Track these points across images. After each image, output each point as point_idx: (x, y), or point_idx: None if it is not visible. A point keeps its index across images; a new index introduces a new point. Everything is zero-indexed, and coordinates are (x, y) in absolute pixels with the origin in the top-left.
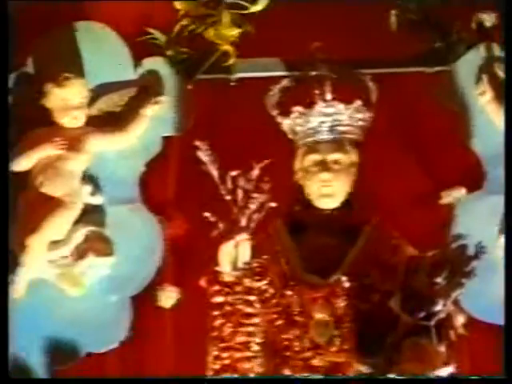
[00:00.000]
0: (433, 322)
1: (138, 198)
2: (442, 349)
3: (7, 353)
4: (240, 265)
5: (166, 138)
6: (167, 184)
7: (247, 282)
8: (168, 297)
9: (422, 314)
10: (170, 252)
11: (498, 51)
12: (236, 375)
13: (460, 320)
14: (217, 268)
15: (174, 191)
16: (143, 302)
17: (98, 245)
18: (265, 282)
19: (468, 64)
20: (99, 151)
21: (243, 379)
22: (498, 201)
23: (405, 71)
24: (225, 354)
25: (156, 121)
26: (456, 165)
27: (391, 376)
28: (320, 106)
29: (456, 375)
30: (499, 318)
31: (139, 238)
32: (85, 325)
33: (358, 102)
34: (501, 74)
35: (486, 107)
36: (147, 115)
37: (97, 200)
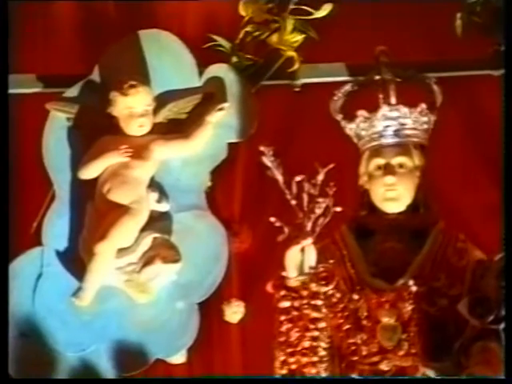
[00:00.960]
0: (502, 326)
1: (203, 204)
2: None
3: (7, 353)
4: (306, 269)
5: (230, 145)
6: (232, 190)
7: (313, 286)
8: (235, 312)
9: (491, 318)
10: (236, 263)
11: None
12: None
13: None
14: (283, 273)
15: (239, 197)
16: (210, 308)
17: (165, 251)
18: (331, 286)
19: None
20: (165, 159)
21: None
22: None
23: (470, 74)
24: (292, 359)
25: (221, 127)
26: None
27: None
28: (384, 110)
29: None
30: None
31: (205, 244)
32: (153, 331)
33: (423, 106)
34: None
35: None
36: (212, 122)
37: (163, 207)
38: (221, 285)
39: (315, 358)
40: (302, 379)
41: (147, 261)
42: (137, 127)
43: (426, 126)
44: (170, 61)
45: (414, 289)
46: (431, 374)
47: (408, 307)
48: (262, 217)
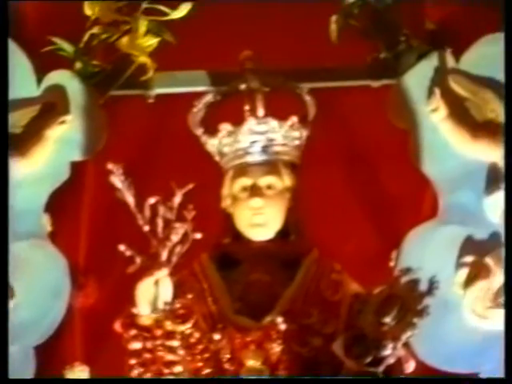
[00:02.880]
0: (381, 368)
1: (41, 232)
2: None
3: (7, 353)
4: (160, 305)
5: (74, 163)
6: (77, 216)
7: (169, 325)
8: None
9: (369, 359)
10: (81, 320)
11: (452, 61)
12: None
13: (411, 366)
14: (134, 310)
15: (84, 224)
16: (49, 352)
17: None
18: (189, 325)
19: (419, 76)
20: None
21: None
22: (455, 231)
23: (347, 85)
24: None
25: (63, 143)
26: (405, 190)
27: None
28: (251, 124)
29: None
30: (455, 365)
31: (43, 278)
32: None
33: (294, 119)
34: (456, 87)
35: (439, 125)
36: (52, 137)
37: None
38: (62, 346)
39: None
40: (296, 379)
41: None
42: None
43: (297, 142)
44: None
45: (282, 327)
46: None
47: (276, 348)
48: (110, 245)
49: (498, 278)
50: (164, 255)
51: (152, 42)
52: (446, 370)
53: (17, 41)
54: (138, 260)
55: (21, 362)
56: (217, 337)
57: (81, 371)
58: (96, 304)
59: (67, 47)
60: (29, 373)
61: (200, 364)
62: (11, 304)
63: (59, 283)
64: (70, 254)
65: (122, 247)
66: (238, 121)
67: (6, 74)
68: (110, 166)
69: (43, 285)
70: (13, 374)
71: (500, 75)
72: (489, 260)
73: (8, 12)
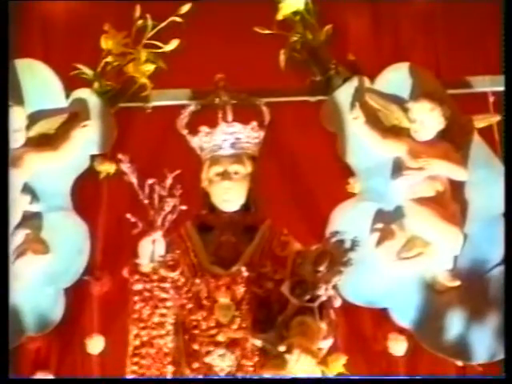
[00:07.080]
0: (316, 304)
1: (69, 206)
2: (323, 325)
3: (7, 353)
4: (156, 258)
5: (93, 156)
6: (95, 193)
7: (162, 272)
8: (95, 345)
9: (308, 297)
10: (97, 303)
11: (367, 83)
12: (153, 350)
13: (338, 302)
14: (137, 260)
15: (101, 198)
16: (75, 293)
17: (36, 245)
18: (177, 272)
19: (344, 94)
20: (36, 167)
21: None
22: (369, 206)
23: (292, 100)
24: (143, 332)
25: (84, 141)
26: (334, 175)
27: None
28: (222, 127)
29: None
30: (370, 302)
31: (70, 239)
32: (26, 312)
33: (254, 123)
34: (371, 101)
35: (359, 129)
36: (77, 137)
37: (35, 208)
38: (83, 321)
39: (163, 332)
40: (296, 379)
41: (20, 253)
42: (12, 141)
43: (256, 141)
44: (41, 85)
45: (245, 274)
46: (258, 343)
47: (241, 289)
48: (120, 214)
49: (399, 240)
50: (159, 221)
51: (150, 67)
52: (363, 306)
53: (51, 65)
54: (140, 225)
55: (53, 300)
56: (197, 281)
57: (97, 340)
58: (109, 292)
59: (88, 71)
60: (59, 307)
61: (185, 301)
62: (47, 258)
63: (81, 244)
64: (90, 222)
65: (128, 215)
66: (213, 125)
67: (7, 73)
68: (119, 155)
69: (70, 244)
70: (45, 313)
71: (402, 93)
72: (394, 226)
73: (8, 12)
